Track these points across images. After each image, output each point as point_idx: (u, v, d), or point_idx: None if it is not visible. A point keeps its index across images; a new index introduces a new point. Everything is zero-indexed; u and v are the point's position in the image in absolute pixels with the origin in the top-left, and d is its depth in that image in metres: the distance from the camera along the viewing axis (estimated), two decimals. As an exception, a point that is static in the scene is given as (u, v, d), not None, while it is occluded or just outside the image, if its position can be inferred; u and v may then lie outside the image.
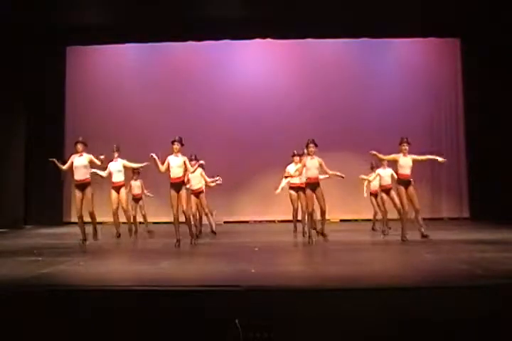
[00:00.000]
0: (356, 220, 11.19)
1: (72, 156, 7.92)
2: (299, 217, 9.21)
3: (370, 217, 10.26)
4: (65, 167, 7.98)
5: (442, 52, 13.51)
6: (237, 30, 12.40)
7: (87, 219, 8.17)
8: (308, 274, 5.08)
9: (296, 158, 9.02)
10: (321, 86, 13.25)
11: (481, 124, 12.46)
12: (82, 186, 7.80)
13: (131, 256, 7.26)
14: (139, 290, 4.21)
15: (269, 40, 12.88)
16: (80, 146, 7.83)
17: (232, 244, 8.11)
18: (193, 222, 8.72)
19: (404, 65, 13.50)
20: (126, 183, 9.32)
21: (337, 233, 9.71)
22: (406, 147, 7.99)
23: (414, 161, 8.00)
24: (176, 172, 7.54)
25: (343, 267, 5.41)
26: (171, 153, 7.66)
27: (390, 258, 6.45)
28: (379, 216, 9.72)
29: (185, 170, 7.65)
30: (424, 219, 12.61)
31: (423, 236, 7.95)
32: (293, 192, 9.17)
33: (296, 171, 8.32)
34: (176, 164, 7.54)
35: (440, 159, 8.09)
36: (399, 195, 8.01)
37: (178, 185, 7.55)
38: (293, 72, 13.49)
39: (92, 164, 7.94)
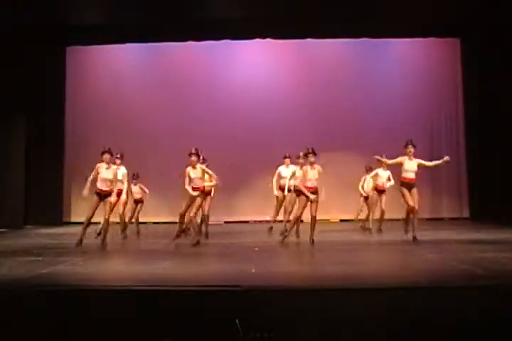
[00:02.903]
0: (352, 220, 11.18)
1: (99, 166, 7.73)
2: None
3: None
4: (91, 178, 7.74)
5: (442, 52, 13.51)
6: (237, 30, 12.40)
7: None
8: (308, 274, 5.08)
9: (287, 160, 9.29)
10: (321, 86, 13.23)
11: (481, 124, 12.46)
12: (104, 195, 7.72)
13: (131, 256, 7.26)
14: (139, 290, 4.21)
15: (269, 40, 12.88)
16: (107, 156, 7.72)
17: (232, 244, 8.11)
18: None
19: (405, 65, 13.49)
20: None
21: (337, 233, 9.73)
22: (411, 150, 7.83)
23: (420, 166, 7.89)
24: (198, 183, 7.78)
25: (343, 267, 5.40)
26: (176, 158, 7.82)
27: (390, 258, 6.45)
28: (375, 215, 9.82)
29: (209, 176, 8.03)
30: (424, 219, 12.81)
31: (414, 238, 7.73)
32: (281, 193, 9.27)
33: (293, 176, 8.55)
34: (196, 176, 7.77)
35: (444, 159, 7.99)
36: (403, 195, 7.85)
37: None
38: (293, 72, 13.48)
39: (115, 177, 7.83)
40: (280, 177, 9.35)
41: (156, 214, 12.41)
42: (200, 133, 12.86)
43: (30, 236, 9.92)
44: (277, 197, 9.34)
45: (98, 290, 4.24)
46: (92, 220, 7.93)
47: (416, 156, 7.98)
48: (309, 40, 12.82)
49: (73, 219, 13.24)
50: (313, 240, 7.72)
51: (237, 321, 3.71)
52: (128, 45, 13.27)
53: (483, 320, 3.83)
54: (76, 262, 5.85)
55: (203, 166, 7.92)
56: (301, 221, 8.67)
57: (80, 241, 7.68)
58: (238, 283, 4.23)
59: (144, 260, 6.24)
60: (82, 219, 12.91)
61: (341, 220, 12.54)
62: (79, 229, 11.68)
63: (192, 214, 7.70)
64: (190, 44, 13.03)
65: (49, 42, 12.57)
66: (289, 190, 8.99)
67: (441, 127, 13.46)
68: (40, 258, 6.17)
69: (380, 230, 9.45)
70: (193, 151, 7.82)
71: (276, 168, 9.40)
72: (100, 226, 8.37)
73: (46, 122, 12.75)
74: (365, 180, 10.01)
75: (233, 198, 12.86)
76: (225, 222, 12.54)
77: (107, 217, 7.76)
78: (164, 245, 7.97)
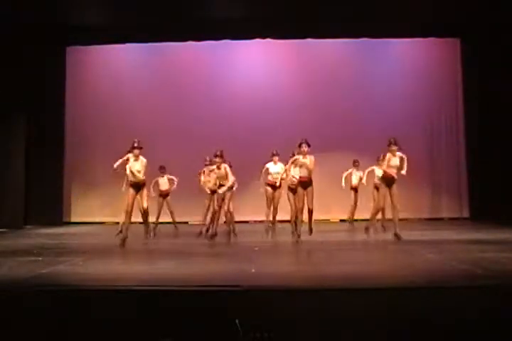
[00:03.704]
0: (356, 220, 11.19)
1: (129, 156, 7.95)
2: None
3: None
4: (127, 170, 8.00)
5: (442, 52, 13.51)
6: (237, 30, 12.40)
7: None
8: (308, 274, 5.08)
9: (276, 158, 9.47)
10: (321, 86, 13.24)
11: (481, 124, 12.46)
12: (138, 186, 7.93)
13: (131, 256, 7.26)
14: (139, 290, 4.21)
15: (269, 40, 12.88)
16: (137, 151, 7.91)
17: (232, 244, 8.11)
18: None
19: (405, 65, 13.49)
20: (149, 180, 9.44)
21: (337, 233, 9.74)
22: (394, 148, 8.06)
23: (400, 161, 8.08)
24: (223, 182, 8.49)
25: (342, 267, 5.41)
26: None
27: (390, 258, 6.45)
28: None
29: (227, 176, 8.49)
30: (424, 219, 12.82)
31: (396, 235, 7.94)
32: (269, 189, 9.52)
33: (286, 171, 8.69)
34: (219, 175, 8.49)
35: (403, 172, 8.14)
36: (380, 192, 8.20)
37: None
38: (293, 72, 13.49)
39: (145, 169, 8.00)
40: (268, 173, 9.56)
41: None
42: (200, 134, 12.88)
43: (30, 236, 9.91)
44: (266, 193, 9.57)
45: (98, 290, 4.23)
46: (95, 220, 8.01)
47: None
48: (309, 40, 12.83)
49: (73, 219, 13.26)
50: (311, 229, 8.03)
51: (237, 321, 3.71)
52: (128, 45, 13.27)
53: (483, 320, 3.83)
54: (76, 262, 5.85)
55: (227, 167, 8.42)
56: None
57: (124, 239, 7.80)
58: (238, 283, 4.23)
59: (143, 260, 6.24)
60: (82, 219, 13.19)
61: (341, 220, 12.54)
62: (79, 229, 11.76)
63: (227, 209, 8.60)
64: (190, 44, 13.03)
65: (49, 42, 12.56)
66: (279, 186, 9.32)
67: (441, 127, 13.46)
68: (40, 258, 6.16)
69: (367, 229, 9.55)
70: (218, 153, 8.38)
71: (264, 165, 9.56)
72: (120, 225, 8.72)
73: (46, 122, 12.75)
74: (351, 173, 10.57)
75: (233, 198, 12.83)
76: (225, 222, 12.52)
77: (145, 207, 8.04)
78: (164, 245, 7.97)
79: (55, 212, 12.80)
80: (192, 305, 3.94)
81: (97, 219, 13.15)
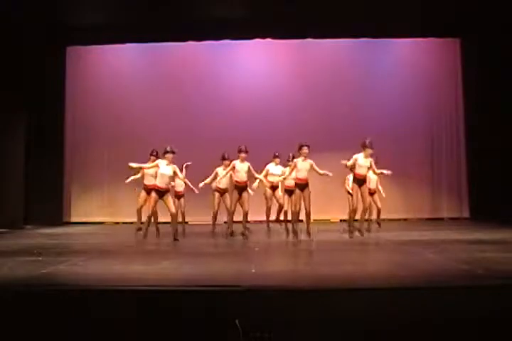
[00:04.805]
0: (356, 220, 11.17)
1: (160, 161, 8.15)
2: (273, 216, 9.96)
3: (372, 216, 10.30)
4: (145, 165, 8.42)
5: (442, 52, 13.51)
6: (237, 30, 12.40)
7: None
8: (308, 274, 5.08)
9: (277, 160, 9.64)
10: (322, 85, 13.24)
11: (481, 124, 12.45)
12: (163, 193, 8.06)
13: (131, 256, 7.25)
14: (139, 290, 4.21)
15: (269, 40, 12.89)
16: (170, 156, 8.06)
17: (232, 244, 8.11)
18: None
19: (404, 65, 13.49)
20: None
21: (337, 233, 9.72)
22: (370, 151, 8.24)
23: (371, 165, 8.29)
24: (242, 176, 8.65)
25: (342, 267, 5.40)
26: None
27: (390, 258, 6.45)
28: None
29: (250, 174, 8.64)
30: (424, 219, 12.82)
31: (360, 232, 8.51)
32: (268, 190, 9.66)
33: (288, 173, 8.71)
34: (242, 169, 8.60)
35: (386, 172, 8.54)
36: (353, 193, 8.36)
37: (242, 187, 8.66)
38: (293, 72, 13.48)
39: (174, 175, 8.16)
40: (268, 174, 9.58)
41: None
42: (201, 134, 12.88)
43: (30, 236, 9.91)
44: (265, 194, 9.71)
45: (98, 290, 4.23)
46: (95, 220, 8.01)
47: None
48: (309, 40, 12.84)
49: (73, 219, 13.26)
50: (309, 233, 8.04)
51: (237, 321, 3.71)
52: (128, 45, 13.28)
53: (483, 320, 3.83)
54: (76, 262, 5.84)
55: (249, 164, 8.60)
56: (301, 220, 8.68)
57: (145, 235, 8.22)
58: (238, 283, 4.23)
59: (143, 260, 6.24)
60: (82, 219, 13.20)
61: (341, 220, 12.54)
62: (79, 229, 11.76)
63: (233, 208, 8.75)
64: (190, 44, 13.04)
65: (49, 42, 12.56)
66: (277, 187, 9.48)
67: (441, 127, 13.47)
68: (40, 258, 6.16)
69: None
70: (243, 149, 8.55)
71: (265, 166, 9.59)
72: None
73: (46, 122, 12.76)
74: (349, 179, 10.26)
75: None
76: (225, 222, 12.53)
77: (173, 212, 8.14)
78: (164, 245, 7.98)
79: (55, 212, 12.79)
80: (192, 305, 3.94)
81: (97, 219, 13.16)
